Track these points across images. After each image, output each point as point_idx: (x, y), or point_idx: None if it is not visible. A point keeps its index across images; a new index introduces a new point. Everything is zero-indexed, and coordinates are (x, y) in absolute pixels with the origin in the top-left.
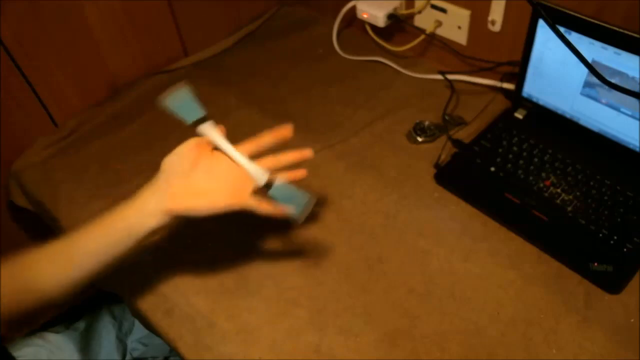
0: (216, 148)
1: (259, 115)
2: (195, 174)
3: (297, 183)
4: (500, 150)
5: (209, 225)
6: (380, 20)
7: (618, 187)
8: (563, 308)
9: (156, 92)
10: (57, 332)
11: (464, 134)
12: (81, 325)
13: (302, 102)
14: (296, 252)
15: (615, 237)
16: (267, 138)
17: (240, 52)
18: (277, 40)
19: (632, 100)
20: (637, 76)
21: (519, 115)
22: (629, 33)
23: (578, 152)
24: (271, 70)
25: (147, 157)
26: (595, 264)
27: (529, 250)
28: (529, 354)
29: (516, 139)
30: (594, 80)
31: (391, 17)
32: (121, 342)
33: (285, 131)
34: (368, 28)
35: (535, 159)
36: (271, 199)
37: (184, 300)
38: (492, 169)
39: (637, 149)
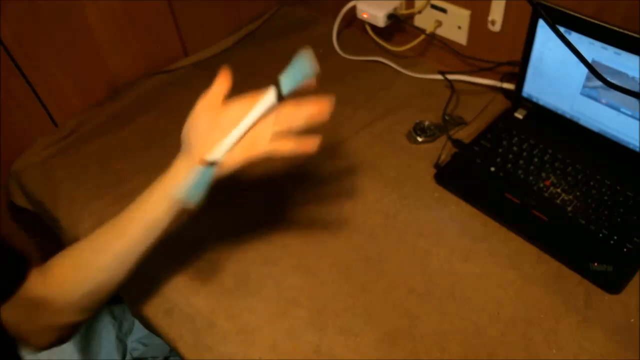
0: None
1: None
2: (213, 131)
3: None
4: (500, 150)
5: (208, 225)
6: (380, 20)
7: (618, 187)
8: (563, 308)
9: (156, 92)
10: None
11: (464, 134)
12: None
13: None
14: (296, 252)
15: (615, 237)
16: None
17: (240, 52)
18: (277, 40)
19: (632, 100)
20: (637, 76)
21: (519, 115)
22: (629, 33)
23: (578, 152)
24: (271, 70)
25: (147, 157)
26: (595, 264)
27: (529, 250)
28: (529, 354)
29: (516, 139)
30: (594, 80)
31: (391, 17)
32: (121, 342)
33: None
34: (368, 28)
35: (535, 159)
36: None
37: (184, 300)
38: (492, 169)
39: (637, 149)
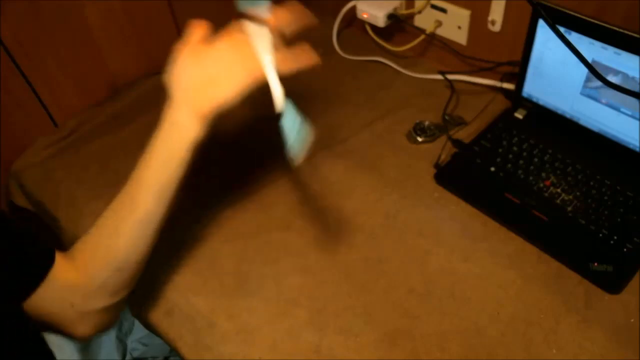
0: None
1: (258, 115)
2: (204, 69)
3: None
4: (500, 150)
5: (208, 225)
6: (380, 20)
7: (618, 187)
8: (563, 308)
9: (156, 92)
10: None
11: (464, 134)
12: None
13: (301, 102)
14: (296, 252)
15: (615, 237)
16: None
17: None
18: None
19: (632, 100)
20: (637, 76)
21: (519, 115)
22: (629, 33)
23: (578, 152)
24: None
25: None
26: (595, 264)
27: (529, 250)
28: (529, 354)
29: (516, 139)
30: (594, 80)
31: (391, 17)
32: (121, 342)
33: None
34: (368, 28)
35: (535, 159)
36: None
37: (184, 300)
38: (492, 169)
39: (637, 149)
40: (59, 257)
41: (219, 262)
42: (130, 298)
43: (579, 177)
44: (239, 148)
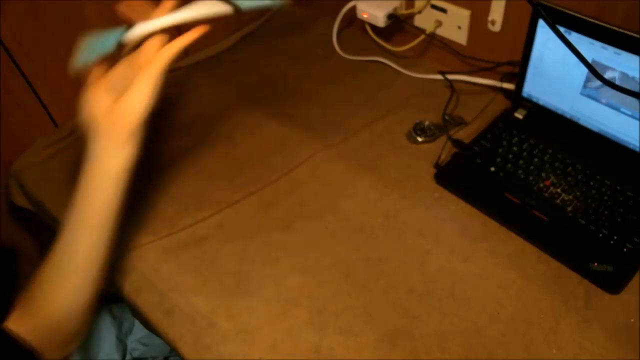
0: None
1: (259, 115)
2: (107, 96)
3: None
4: (500, 150)
5: (208, 225)
6: (380, 20)
7: (618, 187)
8: (563, 308)
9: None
10: None
11: (464, 134)
12: None
13: (302, 102)
14: (296, 252)
15: (615, 237)
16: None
17: (240, 52)
18: (277, 40)
19: (632, 100)
20: (637, 76)
21: (519, 115)
22: (629, 33)
23: (578, 152)
24: (271, 70)
25: (146, 157)
26: (595, 264)
27: (529, 250)
28: (529, 354)
29: (516, 139)
30: (594, 80)
31: (391, 17)
32: (121, 342)
33: None
34: (368, 28)
35: (535, 159)
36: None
37: (184, 300)
38: (492, 169)
39: (637, 149)
40: (12, 317)
41: (219, 262)
42: (130, 298)
43: (579, 177)
44: (239, 148)
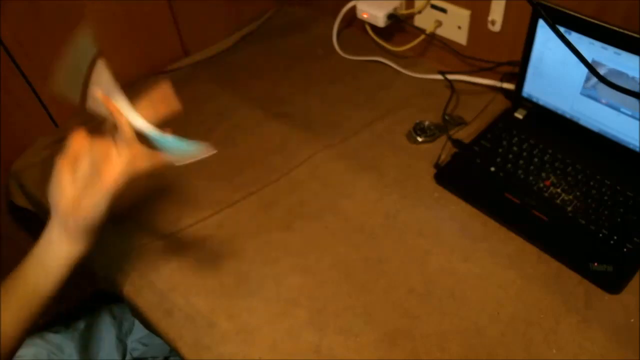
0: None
1: (259, 115)
2: (70, 190)
3: None
4: (500, 150)
5: (208, 225)
6: (380, 20)
7: (618, 187)
8: (563, 308)
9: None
10: (57, 332)
11: (464, 134)
12: (81, 325)
13: (302, 102)
14: (296, 252)
15: (615, 237)
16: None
17: (240, 52)
18: (277, 40)
19: (632, 100)
20: (637, 76)
21: (519, 115)
22: (629, 33)
23: (578, 152)
24: (271, 70)
25: None
26: (595, 264)
27: (529, 250)
28: (529, 354)
29: (516, 139)
30: (594, 80)
31: (391, 17)
32: (121, 342)
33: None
34: (368, 28)
35: (535, 159)
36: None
37: (184, 300)
38: (492, 169)
39: (637, 149)
40: None
41: (219, 262)
42: (130, 298)
43: (579, 177)
44: (239, 148)
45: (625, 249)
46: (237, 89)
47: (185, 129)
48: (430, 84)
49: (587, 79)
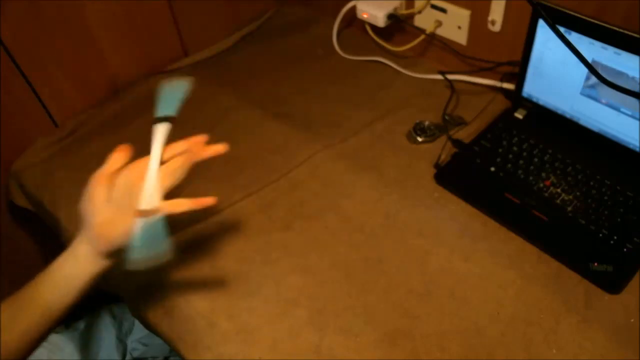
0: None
1: (259, 115)
2: (106, 206)
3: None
4: (500, 150)
5: (208, 225)
6: (380, 20)
7: (618, 187)
8: (563, 308)
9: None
10: (57, 332)
11: (464, 134)
12: (81, 325)
13: (302, 102)
14: (296, 252)
15: (615, 237)
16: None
17: (240, 52)
18: (277, 40)
19: (632, 100)
20: (637, 76)
21: (519, 115)
22: (629, 33)
23: (578, 152)
24: (271, 70)
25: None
26: (595, 264)
27: (529, 250)
28: (529, 354)
29: (516, 139)
30: (594, 80)
31: (391, 17)
32: (121, 342)
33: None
34: (368, 28)
35: (535, 159)
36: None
37: (184, 300)
38: (492, 169)
39: (637, 149)
40: None
41: (219, 262)
42: (130, 298)
43: (579, 177)
44: (239, 148)
45: (625, 249)
46: (237, 89)
47: (185, 129)
48: (430, 84)
49: (587, 79)
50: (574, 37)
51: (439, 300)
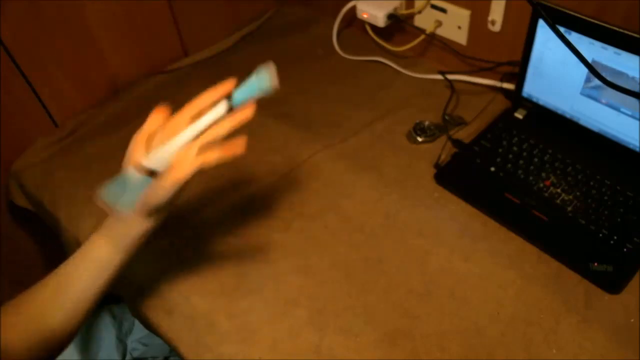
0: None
1: (259, 115)
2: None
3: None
4: (500, 150)
5: (208, 225)
6: (380, 20)
7: (618, 187)
8: (563, 308)
9: (156, 92)
10: None
11: (464, 134)
12: None
13: (302, 102)
14: (296, 252)
15: (615, 237)
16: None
17: (240, 52)
18: (277, 40)
19: (632, 100)
20: (637, 76)
21: (519, 115)
22: (629, 33)
23: (578, 152)
24: None
25: None
26: (595, 264)
27: (529, 250)
28: (529, 354)
29: (516, 139)
30: (594, 80)
31: (391, 17)
32: (121, 342)
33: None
34: (368, 28)
35: (535, 159)
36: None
37: (184, 300)
38: (492, 169)
39: (637, 149)
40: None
41: (219, 262)
42: (130, 298)
43: (579, 177)
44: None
45: (625, 249)
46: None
47: None
48: (430, 84)
49: (587, 79)
50: (574, 37)
51: (439, 300)
